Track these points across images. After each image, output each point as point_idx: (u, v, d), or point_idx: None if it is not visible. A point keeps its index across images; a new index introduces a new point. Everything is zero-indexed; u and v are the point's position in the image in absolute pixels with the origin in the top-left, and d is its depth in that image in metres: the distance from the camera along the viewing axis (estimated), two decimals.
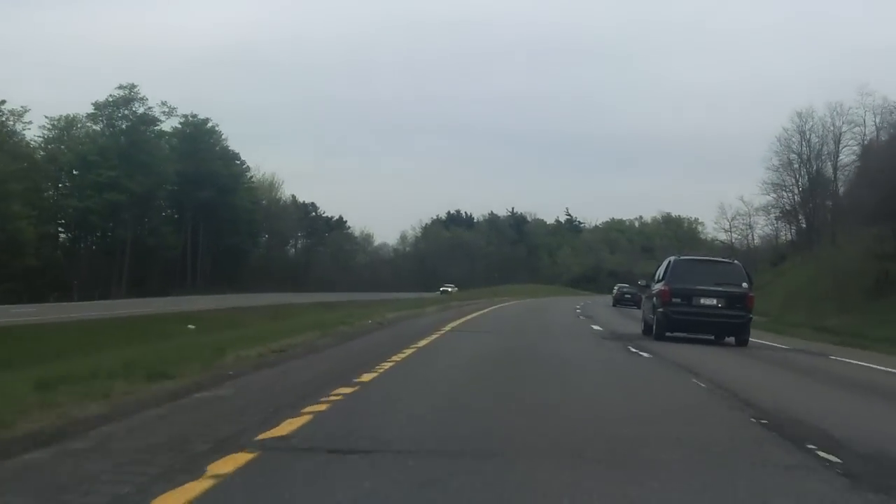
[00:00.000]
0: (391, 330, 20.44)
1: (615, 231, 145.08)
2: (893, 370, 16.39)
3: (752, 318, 21.48)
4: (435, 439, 6.09)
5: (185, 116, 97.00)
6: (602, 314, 40.07)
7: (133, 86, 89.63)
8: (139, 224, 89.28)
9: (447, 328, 21.30)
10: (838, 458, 6.12)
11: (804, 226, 76.50)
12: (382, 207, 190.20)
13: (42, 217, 79.85)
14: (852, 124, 71.20)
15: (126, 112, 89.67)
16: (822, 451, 6.32)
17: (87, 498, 4.17)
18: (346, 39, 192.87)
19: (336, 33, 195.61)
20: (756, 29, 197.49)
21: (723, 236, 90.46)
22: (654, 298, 21.94)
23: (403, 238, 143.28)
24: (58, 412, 6.25)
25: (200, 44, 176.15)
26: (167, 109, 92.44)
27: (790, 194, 76.71)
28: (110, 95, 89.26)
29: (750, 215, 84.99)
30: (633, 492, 4.73)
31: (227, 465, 4.83)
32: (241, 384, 8.54)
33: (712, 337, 21.78)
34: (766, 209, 79.92)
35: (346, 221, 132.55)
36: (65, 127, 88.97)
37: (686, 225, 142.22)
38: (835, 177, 73.81)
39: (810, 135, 73.32)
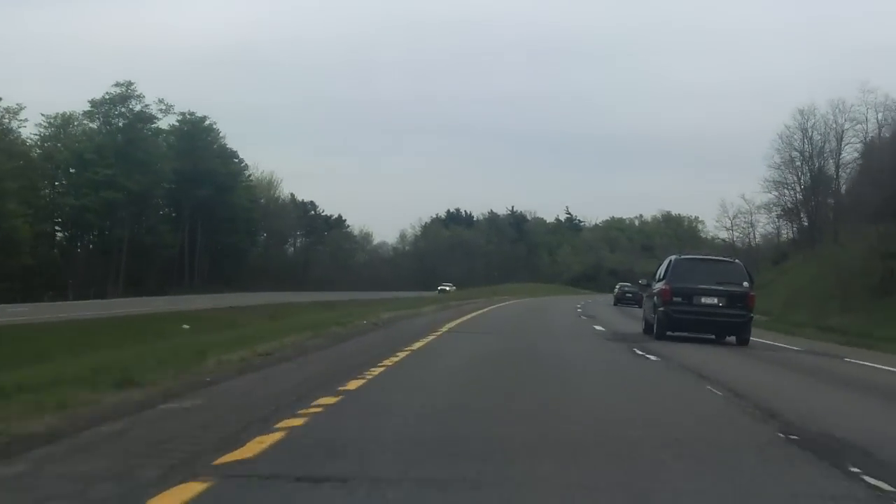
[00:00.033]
0: (386, 331, 19.70)
1: (615, 230, 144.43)
2: None
3: (752, 317, 21.47)
4: (423, 464, 5.30)
5: (183, 114, 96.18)
6: (604, 314, 39.30)
7: (130, 83, 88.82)
8: (136, 223, 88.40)
9: (444, 329, 20.56)
10: (891, 485, 5.28)
11: (806, 224, 75.86)
12: (382, 206, 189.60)
13: (38, 216, 79.03)
14: (854, 121, 70.61)
15: (123, 110, 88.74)
16: (870, 477, 5.47)
17: None
18: (346, 39, 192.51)
19: (336, 33, 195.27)
20: (756, 27, 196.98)
21: (724, 234, 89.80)
22: (655, 297, 21.89)
23: (403, 237, 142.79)
24: None
25: (200, 43, 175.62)
26: (164, 107, 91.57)
27: (792, 192, 76.13)
28: (107, 93, 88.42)
29: (751, 213, 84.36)
30: None
31: (172, 499, 4.10)
32: (216, 393, 7.79)
33: (713, 336, 21.67)
34: (767, 207, 79.31)
35: (345, 220, 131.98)
36: (61, 125, 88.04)
37: (686, 223, 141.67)
38: (837, 174, 73.23)
39: (812, 132, 72.74)
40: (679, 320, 20.94)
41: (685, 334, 21.40)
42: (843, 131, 71.48)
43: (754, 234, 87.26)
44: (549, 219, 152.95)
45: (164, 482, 4.37)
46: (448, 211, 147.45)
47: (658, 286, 21.99)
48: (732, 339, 21.18)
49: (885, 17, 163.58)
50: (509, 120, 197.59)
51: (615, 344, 18.54)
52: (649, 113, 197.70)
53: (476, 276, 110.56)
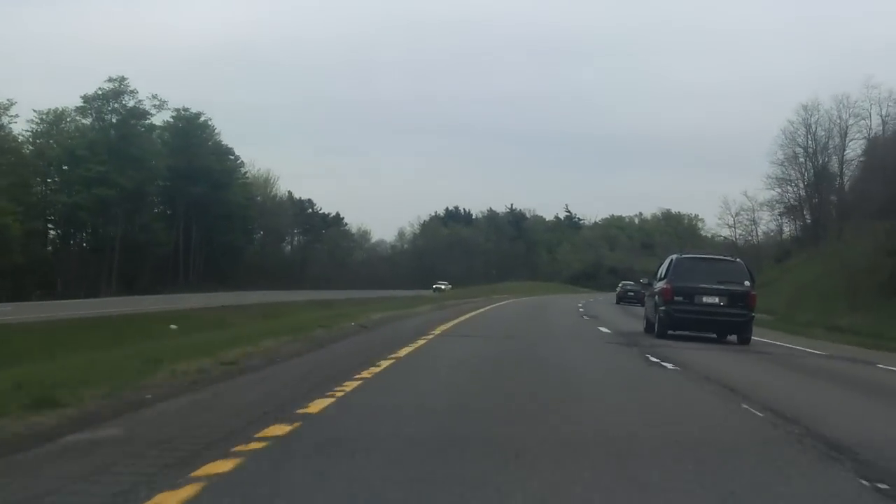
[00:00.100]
0: (374, 333, 18.39)
1: (615, 228, 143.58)
2: None
3: (754, 316, 21.68)
4: None
5: (177, 110, 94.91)
6: (607, 314, 37.94)
7: (123, 78, 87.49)
8: (130, 220, 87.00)
9: (437, 331, 19.24)
10: None
11: (809, 221, 74.80)
12: (380, 205, 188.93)
13: (30, 213, 77.74)
14: (858, 117, 69.65)
15: (116, 105, 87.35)
16: None
17: None
18: (346, 39, 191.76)
19: (336, 33, 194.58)
20: (756, 27, 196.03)
21: (727, 232, 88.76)
22: (657, 297, 22.05)
23: (401, 235, 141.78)
24: None
25: (200, 43, 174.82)
26: (158, 103, 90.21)
27: (795, 189, 75.16)
28: (99, 88, 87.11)
29: (754, 210, 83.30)
30: None
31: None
32: (144, 418, 6.48)
33: (714, 335, 21.77)
34: (770, 204, 78.28)
35: (343, 218, 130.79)
36: (53, 121, 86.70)
37: (686, 221, 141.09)
38: (841, 171, 72.25)
39: (816, 128, 71.86)
40: (680, 319, 21.11)
41: (689, 333, 21.40)
42: (847, 127, 70.51)
43: (757, 231, 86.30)
44: (549, 217, 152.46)
45: None
46: (447, 209, 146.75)
47: (659, 285, 22.09)
48: (734, 338, 21.22)
49: (886, 17, 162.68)
50: (509, 120, 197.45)
51: (625, 349, 17.05)
52: (649, 113, 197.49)
53: (475, 275, 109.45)
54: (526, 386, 10.07)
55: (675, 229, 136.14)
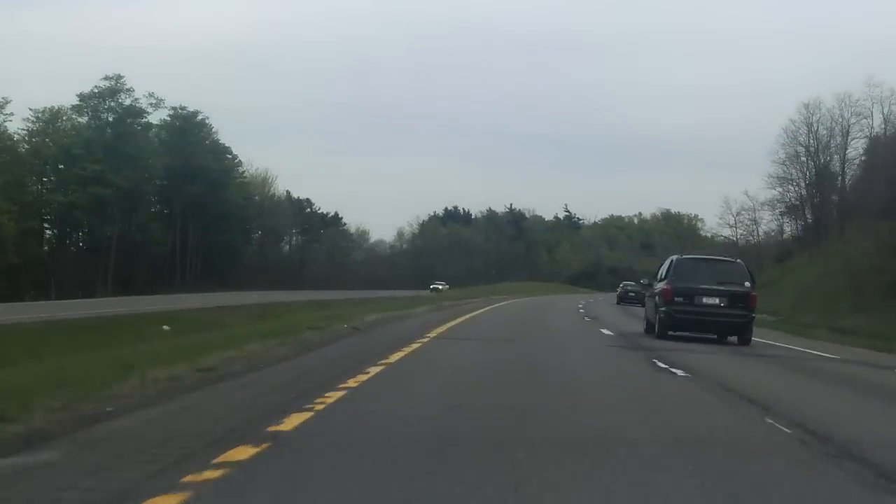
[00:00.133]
0: (366, 336, 17.71)
1: (614, 227, 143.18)
2: None
3: (754, 317, 21.72)
4: None
5: (174, 109, 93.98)
6: (609, 315, 37.29)
7: (119, 76, 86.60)
8: (126, 220, 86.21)
9: (433, 334, 18.59)
10: None
11: (810, 221, 74.25)
12: (379, 205, 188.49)
13: (25, 212, 76.90)
14: (860, 116, 69.17)
15: (112, 104, 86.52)
16: None
17: None
18: (346, 40, 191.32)
19: (336, 34, 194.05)
20: (756, 27, 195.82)
21: (727, 232, 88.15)
22: (657, 297, 22.03)
23: (400, 235, 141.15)
24: None
25: (200, 44, 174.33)
26: (154, 101, 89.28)
27: (796, 188, 74.57)
28: (95, 86, 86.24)
29: (755, 210, 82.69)
30: None
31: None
32: (96, 437, 5.77)
33: (715, 336, 21.71)
34: (771, 203, 77.70)
35: (341, 218, 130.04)
36: (49, 119, 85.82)
37: (686, 221, 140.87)
38: (842, 170, 71.74)
39: (818, 126, 71.32)
40: (681, 320, 21.09)
41: (689, 334, 21.33)
42: (848, 126, 70.01)
43: (758, 231, 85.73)
44: (548, 217, 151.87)
45: None
46: (446, 209, 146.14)
47: (660, 286, 22.05)
48: (735, 339, 21.19)
49: (887, 16, 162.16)
50: (509, 119, 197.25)
51: (630, 353, 16.41)
52: (649, 113, 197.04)
53: (474, 275, 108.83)
54: (530, 396, 9.37)
55: (675, 229, 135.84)
